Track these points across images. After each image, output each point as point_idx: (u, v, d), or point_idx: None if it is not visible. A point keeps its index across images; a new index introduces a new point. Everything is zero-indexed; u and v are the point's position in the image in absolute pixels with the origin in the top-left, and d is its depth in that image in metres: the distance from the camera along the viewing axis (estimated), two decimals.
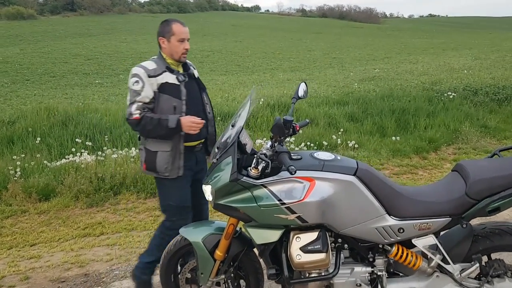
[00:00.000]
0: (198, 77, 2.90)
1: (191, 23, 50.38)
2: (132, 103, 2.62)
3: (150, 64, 2.68)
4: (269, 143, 2.16)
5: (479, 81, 10.13)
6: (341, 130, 6.78)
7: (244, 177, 2.10)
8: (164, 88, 2.66)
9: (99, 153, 5.46)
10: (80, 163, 5.18)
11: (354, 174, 2.11)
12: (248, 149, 2.27)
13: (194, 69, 2.91)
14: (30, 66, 22.19)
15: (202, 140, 2.84)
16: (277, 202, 2.06)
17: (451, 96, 8.54)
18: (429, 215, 2.09)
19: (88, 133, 6.33)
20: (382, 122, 7.31)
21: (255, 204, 2.09)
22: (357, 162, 2.20)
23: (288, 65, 24.74)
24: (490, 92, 8.98)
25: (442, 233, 2.21)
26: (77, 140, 5.90)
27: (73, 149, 5.65)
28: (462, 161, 2.27)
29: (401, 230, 2.11)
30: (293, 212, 2.06)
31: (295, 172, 1.92)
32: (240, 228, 2.39)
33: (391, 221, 2.11)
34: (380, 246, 2.21)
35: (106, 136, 6.11)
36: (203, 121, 2.62)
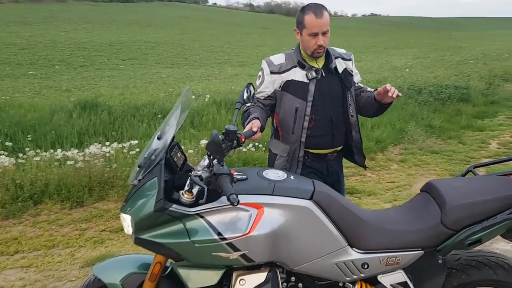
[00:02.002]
0: (349, 70, 2.39)
1: (135, 14, 48.64)
2: None
3: (278, 58, 2.36)
4: (206, 160, 1.73)
5: (422, 80, 10.28)
6: None
7: (174, 205, 1.68)
8: (289, 86, 2.31)
9: (20, 155, 4.80)
10: None
11: (311, 198, 1.75)
12: (181, 166, 1.84)
13: (348, 60, 2.41)
14: None
15: (338, 148, 2.42)
16: (216, 237, 1.66)
17: None
18: (398, 248, 1.78)
19: (8, 132, 5.59)
20: None
21: (188, 240, 1.67)
22: (313, 182, 1.85)
23: (236, 59, 24.34)
24: (434, 91, 9.10)
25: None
26: None
27: None
28: (433, 180, 1.97)
29: (366, 266, 1.78)
30: (236, 250, 1.67)
31: (238, 203, 1.53)
32: (171, 264, 1.90)
33: (354, 254, 1.77)
34: (341, 284, 1.85)
35: (29, 136, 5.43)
36: (258, 127, 2.09)
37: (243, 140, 1.88)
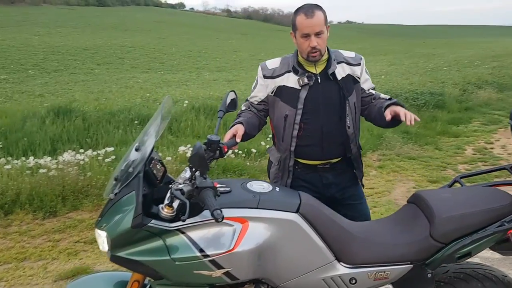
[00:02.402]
0: (355, 77, 2.18)
1: (111, 17, 48.03)
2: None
3: (273, 63, 2.25)
4: (188, 172, 1.62)
5: (398, 86, 10.41)
6: (270, 136, 6.47)
7: (153, 221, 1.58)
8: (281, 92, 2.18)
9: None
10: None
11: (297, 211, 1.69)
12: (161, 178, 1.74)
13: (356, 64, 2.19)
14: None
15: (333, 160, 2.23)
16: (198, 254, 1.57)
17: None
18: (387, 262, 1.72)
19: None
20: None
21: (168, 257, 1.58)
22: (299, 195, 1.78)
23: (214, 65, 24.24)
24: (410, 97, 9.21)
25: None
26: None
27: None
28: (419, 191, 1.94)
29: (354, 281, 1.72)
30: (219, 267, 1.58)
31: (222, 218, 1.44)
32: (149, 283, 1.80)
33: (341, 269, 1.71)
34: None
35: (0, 143, 5.21)
36: (241, 136, 2.00)
37: (226, 150, 1.81)
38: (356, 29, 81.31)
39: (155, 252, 1.59)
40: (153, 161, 1.69)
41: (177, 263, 1.57)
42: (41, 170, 4.38)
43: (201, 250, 1.58)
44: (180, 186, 1.56)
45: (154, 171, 1.68)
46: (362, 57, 2.27)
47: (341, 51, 2.26)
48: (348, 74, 2.18)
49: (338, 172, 2.27)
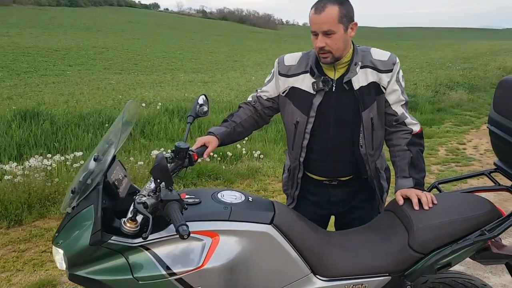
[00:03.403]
0: (381, 86, 1.82)
1: (84, 18, 47.10)
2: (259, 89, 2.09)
3: (292, 58, 1.94)
4: (153, 184, 1.49)
5: None
6: (246, 138, 6.39)
7: (114, 237, 1.45)
8: (293, 94, 1.90)
9: None
10: None
11: (271, 223, 1.59)
12: (123, 190, 1.61)
13: (385, 71, 1.81)
14: None
15: (343, 178, 1.95)
16: (164, 272, 1.45)
17: None
18: (364, 274, 1.65)
19: None
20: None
21: (131, 276, 1.46)
22: (273, 204, 1.69)
23: (189, 66, 24.04)
24: None
25: None
26: None
27: None
28: None
29: None
30: (187, 286, 1.46)
31: (188, 235, 1.32)
32: None
33: (317, 283, 1.62)
34: None
35: None
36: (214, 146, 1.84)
37: (196, 158, 1.71)
38: None
39: (117, 271, 1.47)
40: (114, 171, 1.57)
41: (140, 282, 1.45)
42: (5, 177, 4.17)
43: (167, 268, 1.46)
44: (144, 199, 1.44)
45: (116, 182, 1.56)
46: (398, 61, 1.86)
47: (373, 51, 1.87)
48: (372, 82, 1.82)
49: (349, 190, 1.99)
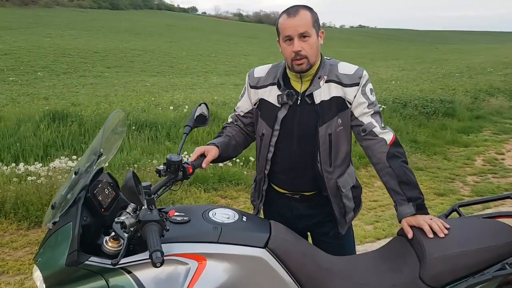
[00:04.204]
0: (347, 101, 1.78)
1: (124, 21, 48.28)
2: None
3: (261, 70, 1.93)
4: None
5: (407, 93, 10.16)
6: None
7: (92, 258, 1.35)
8: (262, 106, 1.89)
9: None
10: None
11: (265, 246, 1.46)
12: (108, 204, 1.50)
13: (351, 85, 1.76)
14: None
15: (306, 193, 1.91)
16: None
17: (381, 108, 8.38)
18: None
19: None
20: None
21: None
22: (270, 225, 1.55)
23: (223, 68, 24.16)
24: (419, 105, 8.95)
25: None
26: None
27: None
28: None
29: None
30: None
31: (161, 263, 1.21)
32: None
33: None
34: None
35: None
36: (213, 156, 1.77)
37: (191, 171, 1.60)
38: (368, 33, 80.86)
39: None
40: (100, 186, 1.47)
41: None
42: (29, 178, 4.23)
43: None
44: (122, 218, 1.34)
45: (100, 197, 1.46)
46: (365, 74, 1.81)
47: (340, 65, 1.82)
48: (334, 96, 1.77)
49: (312, 205, 1.93)
